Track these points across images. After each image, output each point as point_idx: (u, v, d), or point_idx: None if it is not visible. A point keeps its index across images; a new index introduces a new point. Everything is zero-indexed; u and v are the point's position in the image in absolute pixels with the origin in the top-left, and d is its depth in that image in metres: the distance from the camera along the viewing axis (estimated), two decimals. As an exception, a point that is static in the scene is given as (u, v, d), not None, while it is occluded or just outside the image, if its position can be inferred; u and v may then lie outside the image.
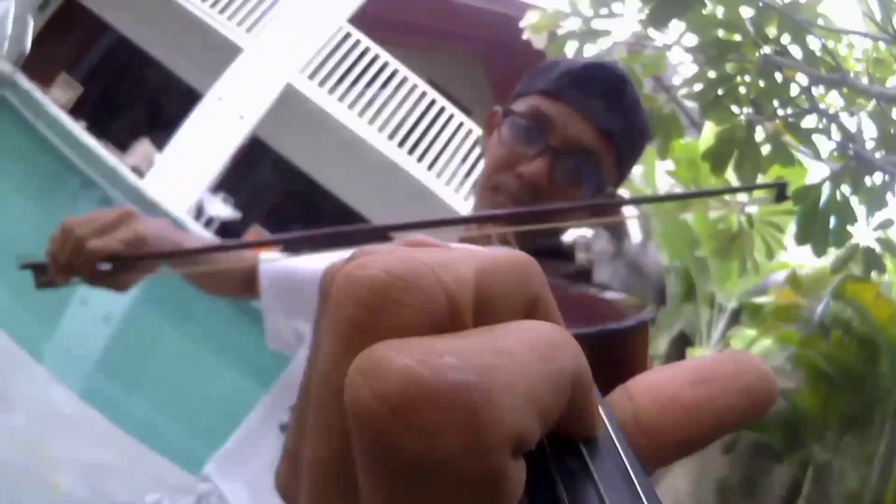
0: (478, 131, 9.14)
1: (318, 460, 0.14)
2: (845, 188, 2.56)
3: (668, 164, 5.18)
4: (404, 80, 9.06)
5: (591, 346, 0.16)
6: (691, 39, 3.11)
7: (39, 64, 8.53)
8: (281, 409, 0.85)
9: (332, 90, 8.70)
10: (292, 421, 0.16)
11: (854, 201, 2.55)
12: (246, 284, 0.91)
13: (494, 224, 0.66)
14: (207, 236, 7.75)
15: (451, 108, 9.14)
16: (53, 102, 8.03)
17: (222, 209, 8.73)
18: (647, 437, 0.17)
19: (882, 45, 2.77)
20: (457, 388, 0.12)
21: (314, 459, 0.14)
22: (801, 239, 2.74)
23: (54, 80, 9.03)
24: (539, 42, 3.47)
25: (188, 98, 8.87)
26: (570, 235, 0.74)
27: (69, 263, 0.67)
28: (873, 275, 2.62)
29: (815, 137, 2.78)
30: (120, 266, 0.69)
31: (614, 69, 0.73)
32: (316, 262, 0.90)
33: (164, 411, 4.08)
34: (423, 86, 9.10)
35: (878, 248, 2.57)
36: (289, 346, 0.91)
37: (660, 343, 5.97)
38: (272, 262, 0.91)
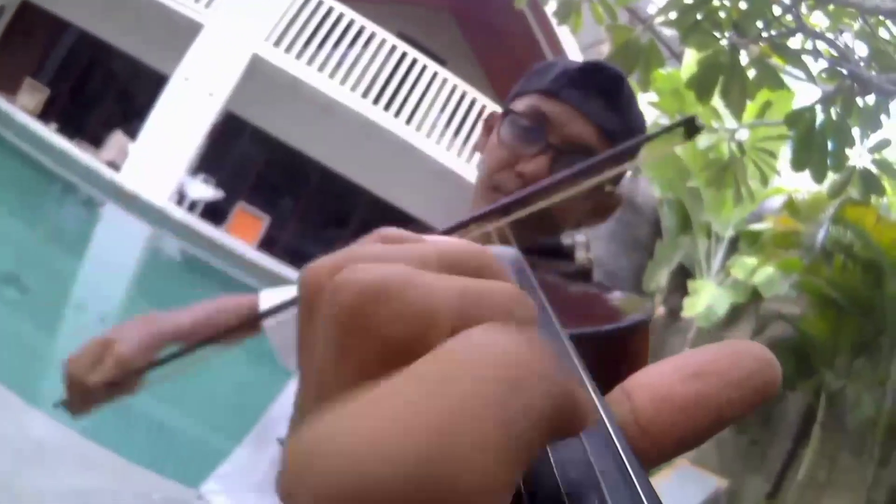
0: (454, 80, 8.93)
1: None
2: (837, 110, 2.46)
3: (652, 97, 5.04)
4: (373, 36, 8.82)
5: (591, 346, 0.15)
6: (663, -36, 2.99)
7: (2, 73, 8.34)
8: (280, 427, 0.85)
9: (299, 55, 8.48)
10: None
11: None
12: (250, 332, 0.92)
13: (496, 219, 0.67)
14: (192, 221, 7.63)
15: (423, 60, 8.92)
16: (21, 109, 7.85)
17: (204, 191, 8.60)
18: (646, 437, 0.17)
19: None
20: (415, 482, 0.11)
21: None
22: (799, 164, 2.66)
23: (20, 86, 8.85)
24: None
25: (157, 83, 8.65)
26: (569, 235, 0.73)
27: (83, 399, 0.82)
28: (872, 198, 2.55)
29: (804, 59, 2.67)
30: (126, 381, 0.82)
31: (612, 69, 0.75)
32: None
33: (172, 408, 4.05)
34: (392, 40, 8.87)
35: (875, 170, 2.48)
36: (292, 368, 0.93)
37: (660, 277, 5.94)
38: (274, 308, 0.89)
